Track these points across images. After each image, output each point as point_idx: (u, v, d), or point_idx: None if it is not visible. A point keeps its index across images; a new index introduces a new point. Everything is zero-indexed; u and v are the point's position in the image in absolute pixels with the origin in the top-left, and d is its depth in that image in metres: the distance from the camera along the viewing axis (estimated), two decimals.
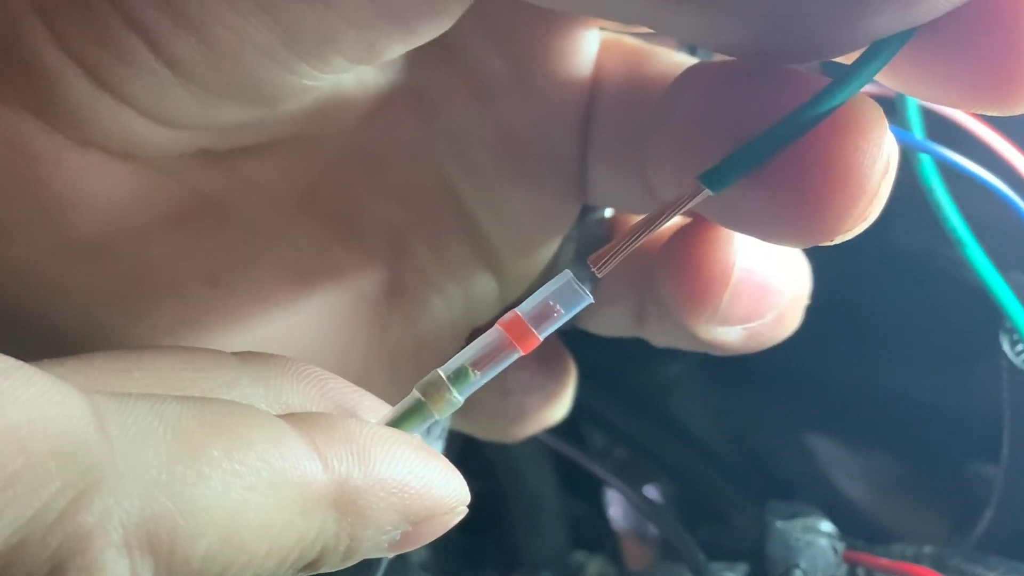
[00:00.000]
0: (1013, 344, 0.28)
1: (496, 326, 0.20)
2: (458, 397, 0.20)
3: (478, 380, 0.20)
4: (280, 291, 0.25)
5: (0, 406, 0.15)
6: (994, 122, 0.27)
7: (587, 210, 0.28)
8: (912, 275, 0.34)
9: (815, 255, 0.26)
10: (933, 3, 0.17)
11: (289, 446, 0.17)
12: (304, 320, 0.25)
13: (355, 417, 0.20)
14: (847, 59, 0.20)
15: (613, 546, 0.39)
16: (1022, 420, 0.28)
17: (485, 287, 0.27)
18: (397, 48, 0.21)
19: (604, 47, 0.26)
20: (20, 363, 0.15)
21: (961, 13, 0.18)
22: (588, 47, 0.26)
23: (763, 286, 0.26)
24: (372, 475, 0.18)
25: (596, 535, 0.39)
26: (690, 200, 0.20)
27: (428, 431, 0.22)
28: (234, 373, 0.20)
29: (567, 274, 0.20)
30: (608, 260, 0.20)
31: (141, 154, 0.22)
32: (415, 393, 0.20)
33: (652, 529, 0.38)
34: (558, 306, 0.20)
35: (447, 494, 0.19)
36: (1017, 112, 0.19)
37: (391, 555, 0.19)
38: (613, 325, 0.29)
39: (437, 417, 0.21)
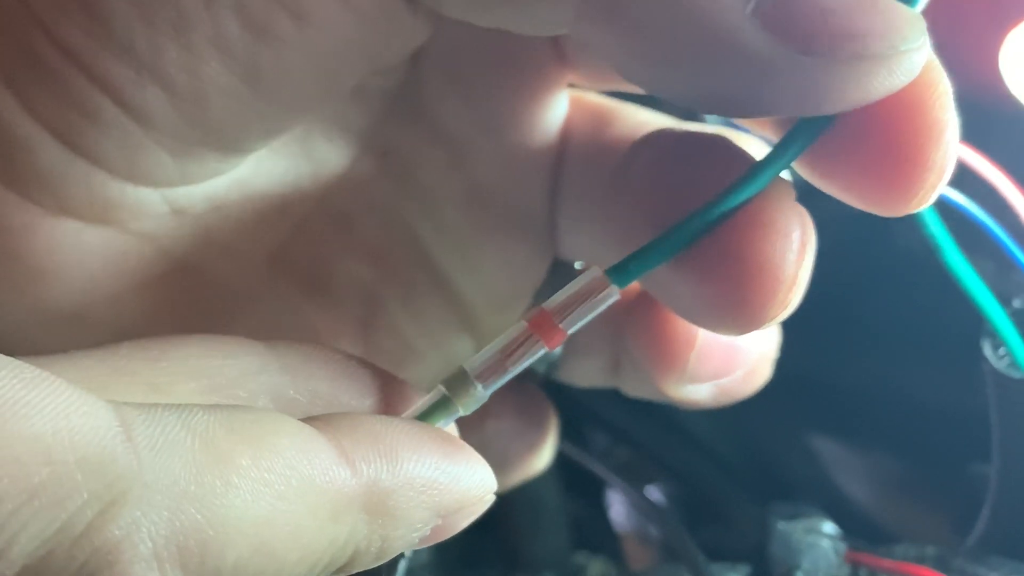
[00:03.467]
0: (995, 348, 0.28)
1: (521, 321, 0.20)
2: (483, 391, 0.20)
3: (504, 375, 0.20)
4: None
5: (26, 416, 0.14)
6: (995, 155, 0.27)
7: (558, 264, 0.28)
8: (913, 275, 0.34)
9: (816, 255, 0.26)
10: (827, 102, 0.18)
11: (316, 452, 0.17)
12: None
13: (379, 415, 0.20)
14: None
15: (614, 547, 0.38)
16: (1010, 423, 0.29)
17: (459, 344, 0.27)
18: (354, 77, 0.21)
19: (572, 104, 0.27)
20: (46, 374, 0.15)
21: (853, 118, 0.18)
22: (557, 104, 0.26)
23: (729, 345, 0.26)
24: (400, 475, 0.18)
25: (597, 536, 0.39)
26: (597, 293, 0.20)
27: None
28: (261, 360, 0.20)
29: (595, 270, 0.20)
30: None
31: (114, 218, 0.22)
32: (440, 388, 0.20)
33: (654, 530, 0.38)
34: (584, 302, 0.20)
35: (474, 484, 0.19)
36: (900, 214, 0.20)
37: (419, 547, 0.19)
38: (589, 376, 0.29)
39: (462, 412, 0.20)
